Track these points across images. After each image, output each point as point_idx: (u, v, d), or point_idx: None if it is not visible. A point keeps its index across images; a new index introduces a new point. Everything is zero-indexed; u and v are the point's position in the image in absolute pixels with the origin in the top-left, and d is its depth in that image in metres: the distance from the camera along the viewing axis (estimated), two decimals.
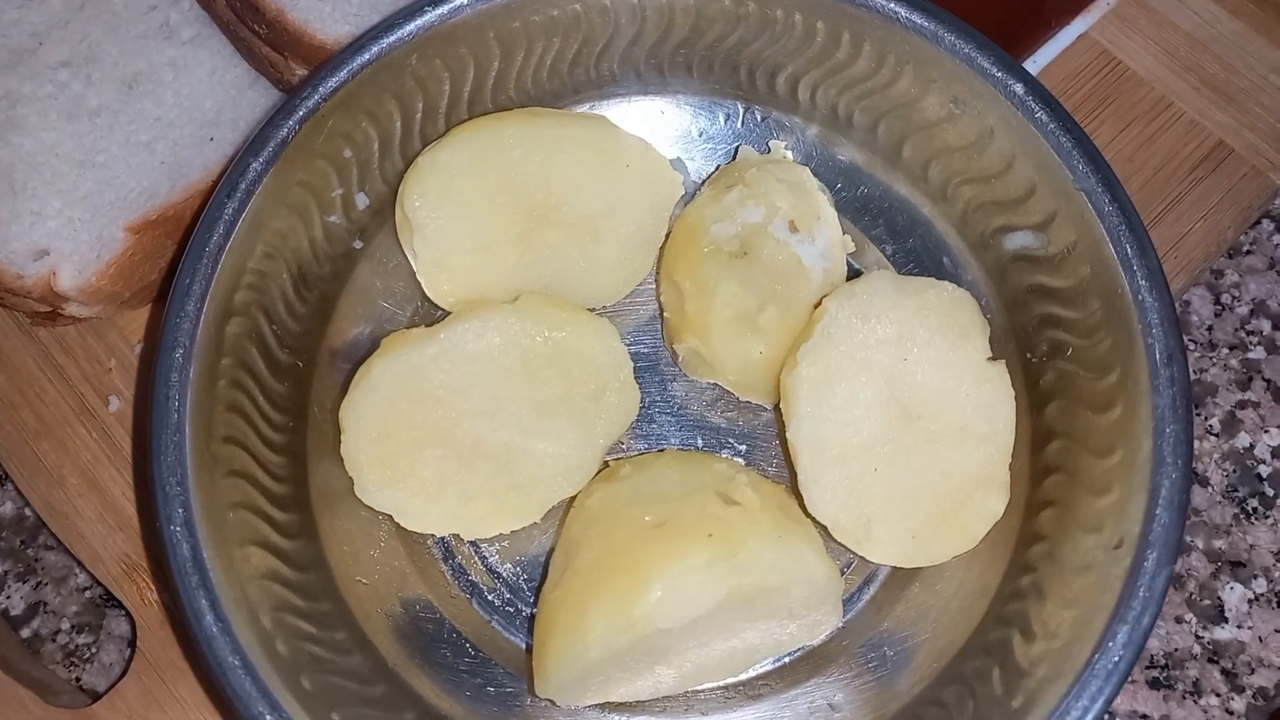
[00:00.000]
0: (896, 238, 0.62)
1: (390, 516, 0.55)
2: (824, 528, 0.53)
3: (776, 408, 0.59)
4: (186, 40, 0.65)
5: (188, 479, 0.48)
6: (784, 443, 0.56)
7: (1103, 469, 0.50)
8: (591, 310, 0.58)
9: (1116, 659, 0.45)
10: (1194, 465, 0.63)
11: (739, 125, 0.63)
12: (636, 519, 0.49)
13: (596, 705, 0.53)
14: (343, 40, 0.60)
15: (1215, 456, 0.65)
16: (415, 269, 0.58)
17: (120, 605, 0.62)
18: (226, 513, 0.49)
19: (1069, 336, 0.54)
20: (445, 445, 0.54)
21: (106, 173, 0.62)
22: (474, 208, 0.57)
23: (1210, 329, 0.67)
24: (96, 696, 0.60)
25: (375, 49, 0.54)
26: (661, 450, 0.58)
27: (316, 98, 0.54)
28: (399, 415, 0.53)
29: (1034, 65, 0.68)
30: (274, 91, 0.65)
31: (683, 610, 0.46)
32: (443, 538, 0.58)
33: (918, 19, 0.54)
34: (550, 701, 0.52)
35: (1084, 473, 0.51)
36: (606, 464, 0.56)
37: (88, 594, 0.63)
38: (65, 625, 0.63)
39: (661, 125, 0.63)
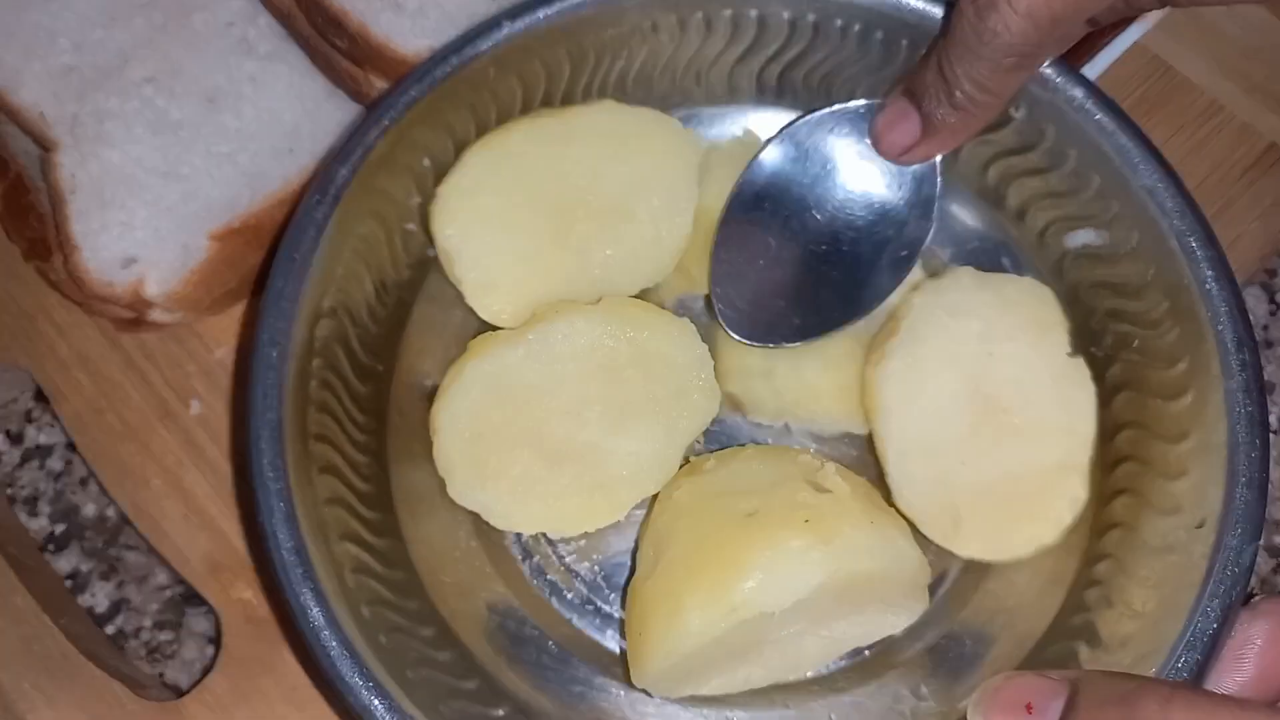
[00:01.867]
0: (955, 239, 0.63)
1: (470, 518, 0.57)
2: (909, 523, 0.54)
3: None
4: (264, 55, 0.68)
5: (287, 475, 0.49)
6: (863, 440, 0.57)
7: (1177, 454, 0.51)
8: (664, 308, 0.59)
9: (1213, 629, 0.45)
10: None
11: None
12: (728, 509, 0.50)
13: (684, 699, 0.53)
14: (423, 54, 0.62)
15: (1274, 454, 0.65)
16: (465, 297, 0.59)
17: (200, 603, 0.64)
18: (323, 509, 0.51)
19: (1134, 329, 0.55)
20: (533, 445, 0.55)
21: (190, 184, 0.64)
22: (504, 222, 0.58)
23: (1266, 328, 0.68)
24: (179, 691, 0.61)
25: (456, 61, 0.56)
26: (741, 445, 0.59)
27: (400, 107, 0.55)
28: (489, 416, 0.55)
29: (1088, 73, 0.69)
30: (351, 104, 0.67)
31: (783, 595, 0.47)
32: (520, 538, 0.59)
33: None
34: (645, 692, 0.52)
35: (1157, 459, 0.52)
36: (688, 460, 0.58)
37: (168, 593, 0.65)
38: (147, 623, 0.64)
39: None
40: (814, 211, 0.58)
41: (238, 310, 0.67)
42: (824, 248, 0.57)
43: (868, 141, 0.57)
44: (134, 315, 0.64)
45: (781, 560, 0.47)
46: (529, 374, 0.55)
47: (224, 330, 0.67)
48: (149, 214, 0.64)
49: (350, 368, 0.56)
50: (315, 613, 0.47)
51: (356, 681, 0.46)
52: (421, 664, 0.51)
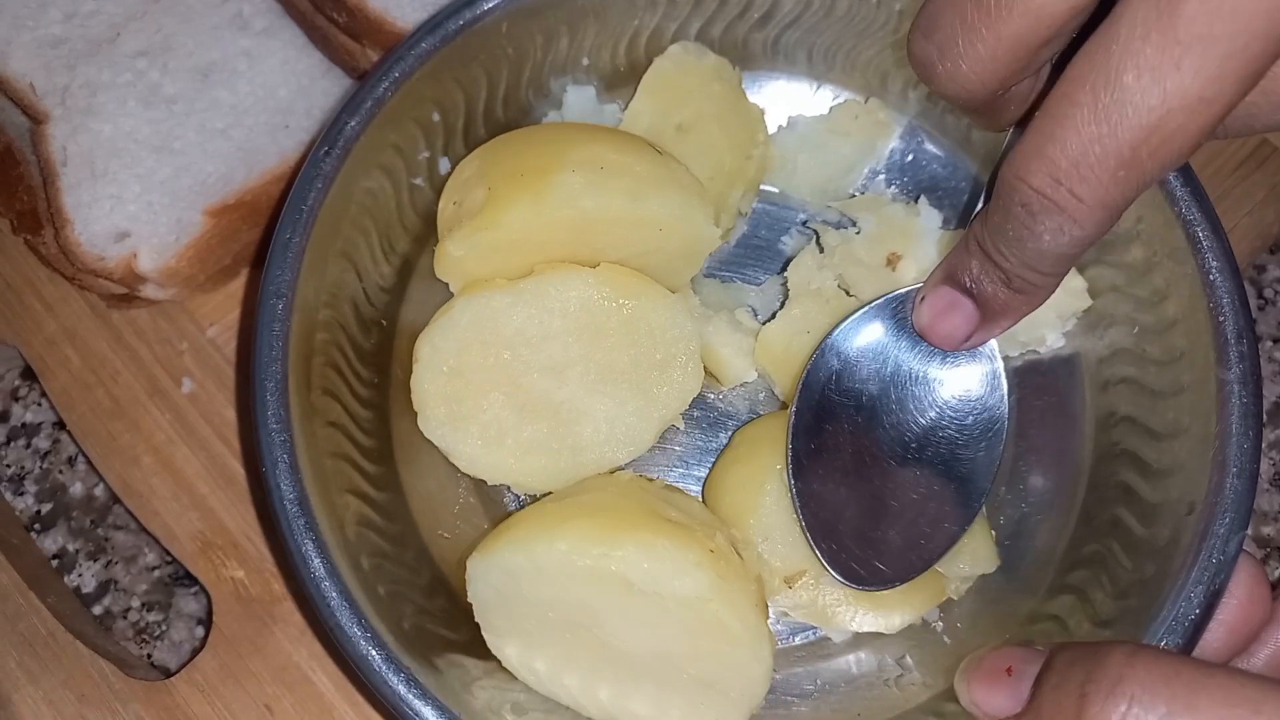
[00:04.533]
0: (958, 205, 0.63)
1: (467, 476, 0.56)
2: None
3: None
4: (259, 30, 0.67)
5: (291, 428, 0.49)
6: None
7: (1169, 442, 0.51)
8: None
9: (1195, 614, 0.46)
10: None
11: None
12: (657, 509, 0.50)
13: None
14: None
15: (1261, 446, 0.66)
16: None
17: (190, 583, 0.63)
18: (326, 461, 0.50)
19: (1136, 312, 0.55)
20: (510, 394, 0.55)
21: (184, 158, 0.63)
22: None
23: (1254, 322, 0.69)
24: (168, 673, 0.61)
25: (469, 14, 0.55)
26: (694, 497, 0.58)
27: (411, 60, 0.54)
28: (470, 354, 0.55)
29: None
30: (346, 80, 0.66)
31: (652, 580, 0.47)
32: (518, 497, 0.59)
33: None
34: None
35: (1150, 447, 0.52)
36: (643, 477, 0.57)
37: (156, 573, 0.64)
38: (135, 603, 0.63)
39: None
40: (882, 425, 0.53)
41: (231, 288, 0.66)
42: (908, 457, 0.53)
43: (910, 334, 0.52)
44: (126, 290, 0.63)
45: (673, 555, 0.47)
46: (517, 320, 0.55)
47: (217, 308, 0.66)
48: (141, 188, 0.63)
49: (355, 321, 0.56)
50: (316, 563, 0.47)
51: (355, 631, 0.46)
52: (418, 615, 0.51)
